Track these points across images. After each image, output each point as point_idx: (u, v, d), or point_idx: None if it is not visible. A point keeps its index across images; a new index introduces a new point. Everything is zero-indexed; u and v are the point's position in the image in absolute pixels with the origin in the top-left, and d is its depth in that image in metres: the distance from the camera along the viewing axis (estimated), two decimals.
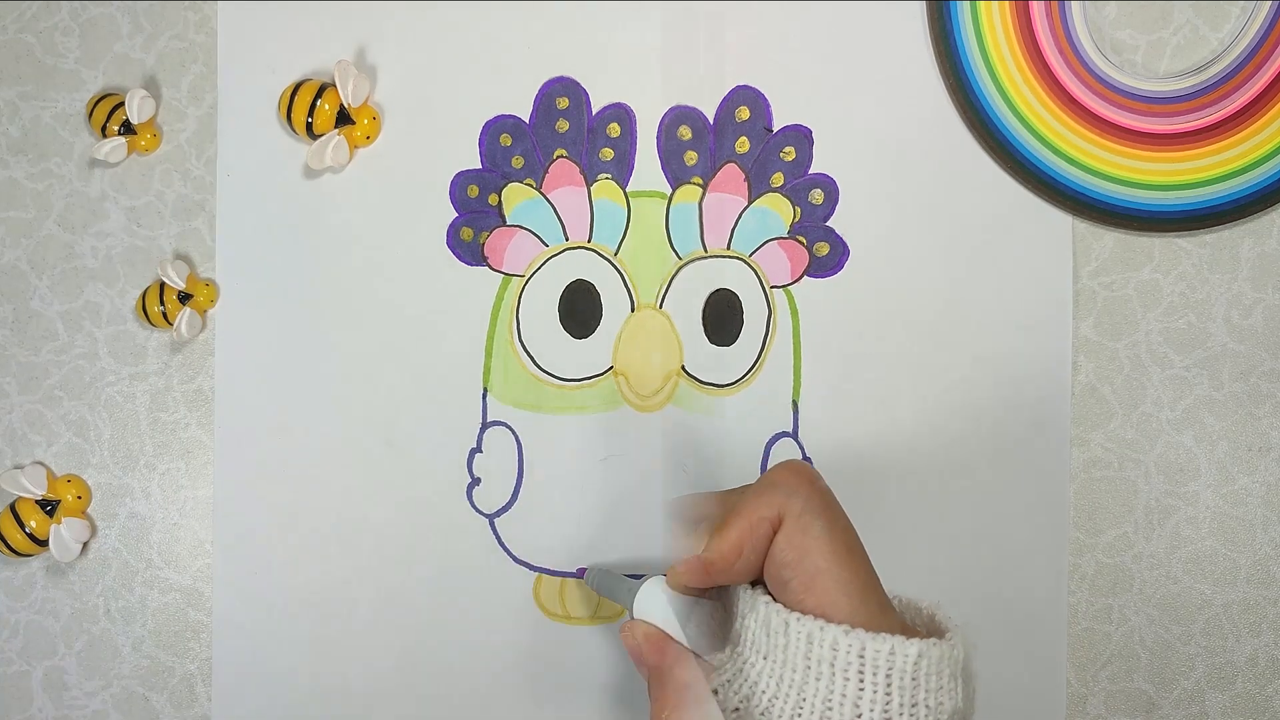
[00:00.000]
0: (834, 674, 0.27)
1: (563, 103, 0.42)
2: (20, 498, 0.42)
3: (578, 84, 0.42)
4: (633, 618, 0.33)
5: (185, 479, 0.43)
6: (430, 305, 0.43)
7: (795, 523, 0.29)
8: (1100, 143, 0.42)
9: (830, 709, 0.27)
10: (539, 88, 0.42)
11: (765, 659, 0.28)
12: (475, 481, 0.43)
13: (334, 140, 0.41)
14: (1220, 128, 0.41)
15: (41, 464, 0.43)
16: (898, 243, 0.42)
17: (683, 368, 0.42)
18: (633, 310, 0.42)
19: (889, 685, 0.27)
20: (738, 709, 0.29)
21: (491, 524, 0.43)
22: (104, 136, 0.42)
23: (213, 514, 0.43)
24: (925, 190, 0.42)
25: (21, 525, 0.42)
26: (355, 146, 0.42)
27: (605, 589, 0.39)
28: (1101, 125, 0.42)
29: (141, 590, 0.43)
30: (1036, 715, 0.42)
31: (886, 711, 0.27)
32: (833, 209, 0.42)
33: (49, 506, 0.42)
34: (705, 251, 0.42)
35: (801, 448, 0.42)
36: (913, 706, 0.27)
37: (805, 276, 0.42)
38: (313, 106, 0.41)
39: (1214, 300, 0.42)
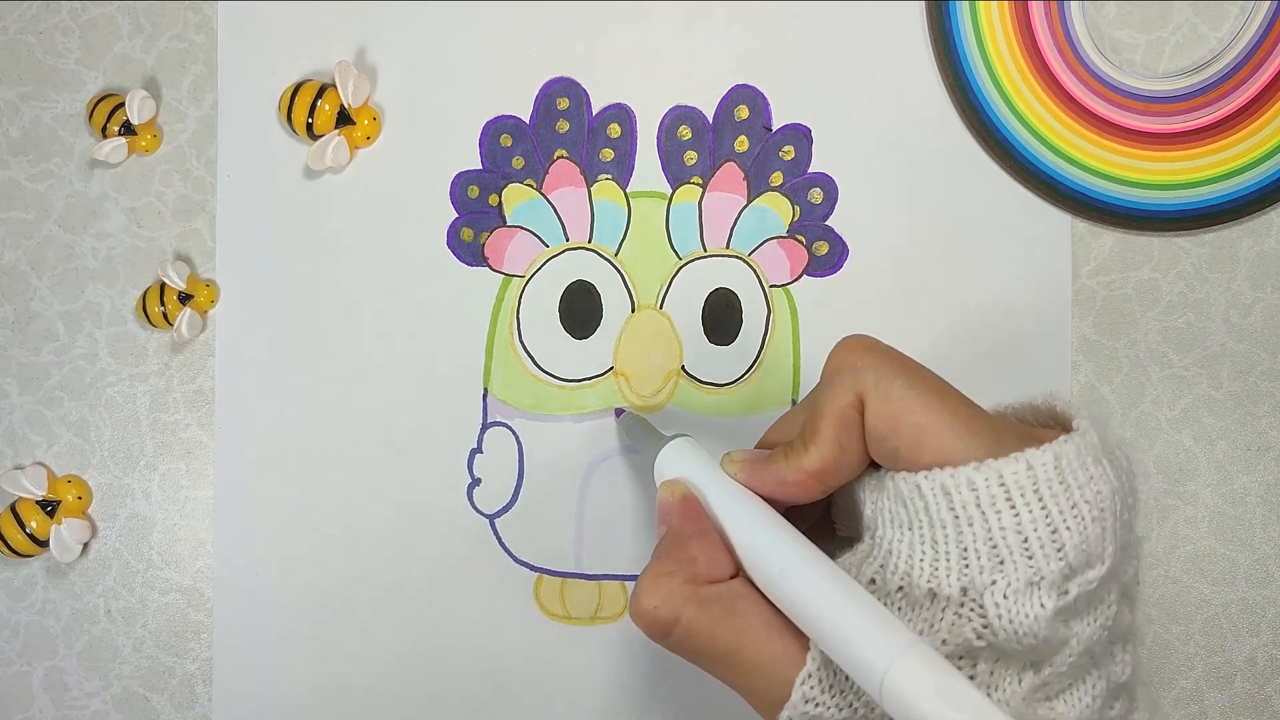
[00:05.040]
0: (984, 515, 0.26)
1: (563, 103, 0.42)
2: (21, 498, 0.42)
3: (578, 84, 0.42)
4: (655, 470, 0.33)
5: (185, 479, 0.43)
6: (430, 306, 0.43)
7: (875, 395, 0.28)
8: (1099, 142, 0.42)
9: (995, 547, 0.26)
10: (539, 88, 0.42)
11: (910, 530, 0.27)
12: (475, 482, 0.43)
13: (334, 141, 0.41)
14: (1219, 127, 0.41)
15: (42, 464, 0.43)
16: (897, 242, 0.42)
17: (683, 368, 0.42)
18: (633, 310, 0.42)
19: (1040, 501, 0.26)
20: (873, 580, 0.28)
21: (492, 524, 0.43)
22: (104, 137, 0.42)
23: (213, 514, 0.43)
24: (924, 189, 0.42)
25: (22, 526, 0.42)
26: (355, 147, 0.42)
27: (636, 434, 0.39)
28: (1101, 124, 0.42)
29: (142, 591, 0.43)
30: None
31: (1050, 523, 0.26)
32: (832, 208, 0.42)
33: (49, 507, 0.42)
34: (704, 251, 0.42)
35: None
36: (1072, 508, 0.26)
37: (804, 275, 0.42)
38: (313, 107, 0.41)
39: (1213, 299, 0.43)
